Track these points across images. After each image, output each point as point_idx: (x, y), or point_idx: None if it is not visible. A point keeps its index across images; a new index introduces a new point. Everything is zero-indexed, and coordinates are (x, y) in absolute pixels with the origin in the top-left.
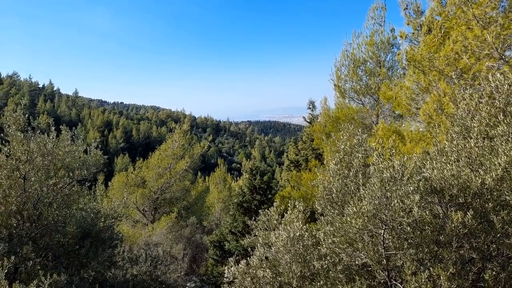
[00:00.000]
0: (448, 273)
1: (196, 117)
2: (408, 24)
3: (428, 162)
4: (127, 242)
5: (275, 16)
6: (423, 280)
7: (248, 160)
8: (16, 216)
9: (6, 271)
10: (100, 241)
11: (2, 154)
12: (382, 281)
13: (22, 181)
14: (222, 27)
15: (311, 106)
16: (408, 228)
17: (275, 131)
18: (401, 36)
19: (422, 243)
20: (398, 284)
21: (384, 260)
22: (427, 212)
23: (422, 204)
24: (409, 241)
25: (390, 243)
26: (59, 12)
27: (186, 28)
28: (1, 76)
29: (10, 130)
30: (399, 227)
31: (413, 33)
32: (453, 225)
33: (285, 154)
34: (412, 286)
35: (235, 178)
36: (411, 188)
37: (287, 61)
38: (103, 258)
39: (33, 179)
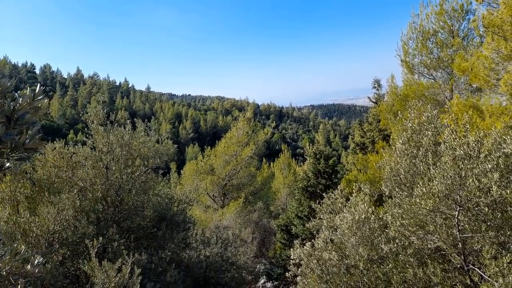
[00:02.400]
0: None
1: (259, 104)
2: None
3: (509, 137)
4: (200, 225)
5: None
6: (504, 265)
7: (312, 145)
8: (102, 202)
9: (96, 250)
10: (174, 224)
11: (87, 146)
12: (458, 266)
13: (105, 170)
14: (282, 13)
15: (376, 86)
16: (486, 209)
17: (339, 114)
18: (476, 0)
19: (503, 225)
20: (476, 269)
21: (460, 244)
22: (509, 191)
23: (503, 183)
24: (488, 223)
25: (466, 225)
26: (129, 17)
27: (246, 18)
28: (84, 77)
29: (93, 125)
30: (476, 208)
31: None
32: None
33: (350, 137)
34: (492, 270)
35: (300, 163)
36: (489, 165)
37: (351, 40)
38: (178, 240)
39: (113, 168)
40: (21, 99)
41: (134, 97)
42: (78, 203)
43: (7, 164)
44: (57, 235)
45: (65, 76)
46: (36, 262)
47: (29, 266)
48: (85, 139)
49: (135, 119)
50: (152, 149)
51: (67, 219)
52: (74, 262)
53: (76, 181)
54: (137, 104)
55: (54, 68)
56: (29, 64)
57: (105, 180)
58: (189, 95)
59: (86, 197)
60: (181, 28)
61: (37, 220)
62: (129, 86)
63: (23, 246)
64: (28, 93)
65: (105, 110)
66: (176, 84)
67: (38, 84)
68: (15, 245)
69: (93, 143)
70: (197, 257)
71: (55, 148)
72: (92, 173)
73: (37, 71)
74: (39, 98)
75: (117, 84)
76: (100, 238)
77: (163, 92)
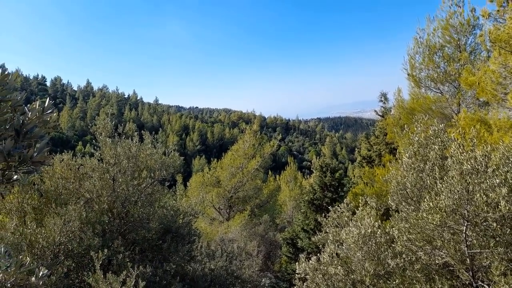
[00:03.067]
0: None
1: (266, 117)
2: (491, 1)
3: None
4: (205, 238)
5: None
6: None
7: (318, 157)
8: (108, 214)
9: (101, 262)
10: (179, 236)
11: (94, 158)
12: (466, 282)
13: (112, 182)
14: (290, 26)
15: (383, 99)
16: (495, 224)
17: (346, 127)
18: (483, 16)
19: None
20: (485, 285)
21: (468, 259)
22: None
23: (511, 198)
24: (496, 238)
25: (474, 241)
26: (139, 28)
27: (254, 30)
28: (94, 90)
29: (101, 137)
30: (484, 224)
31: (498, 11)
32: None
33: (356, 150)
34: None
35: (306, 176)
36: (497, 180)
37: (357, 54)
38: (183, 253)
39: (120, 180)
40: (30, 113)
41: (142, 109)
42: (84, 215)
43: (15, 177)
44: (63, 246)
45: (75, 88)
46: (41, 274)
47: (33, 278)
48: (93, 150)
49: (142, 131)
50: (158, 161)
51: (73, 231)
52: (79, 274)
53: (82, 193)
54: (145, 116)
55: (64, 81)
56: (40, 76)
57: (112, 192)
58: (197, 107)
59: (92, 208)
60: (189, 40)
61: (43, 231)
62: (138, 98)
63: (28, 258)
64: (37, 107)
65: (113, 122)
66: (184, 96)
67: (48, 98)
68: (20, 256)
69: (100, 155)
70: (202, 270)
71: (63, 160)
72: (98, 185)
73: (48, 83)
74: (48, 111)
75: (126, 96)
76: (106, 250)
77: (171, 104)
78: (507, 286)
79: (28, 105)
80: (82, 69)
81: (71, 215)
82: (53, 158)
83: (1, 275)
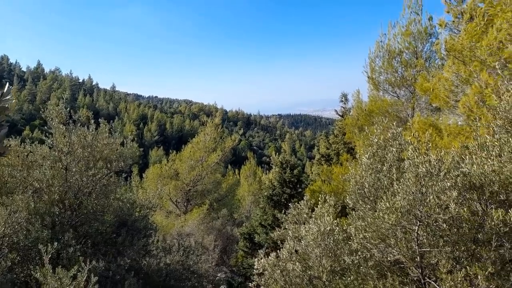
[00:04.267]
0: (486, 273)
1: (228, 110)
2: (448, 12)
3: (467, 157)
4: (161, 232)
5: (309, 8)
6: (459, 279)
7: (278, 153)
8: (59, 205)
9: (49, 256)
10: (135, 230)
11: (45, 145)
12: (415, 279)
13: (64, 171)
14: (255, 21)
15: (343, 99)
16: (444, 225)
17: (306, 125)
18: (440, 25)
19: (459, 241)
20: (432, 282)
21: (418, 257)
22: (465, 209)
23: (460, 201)
24: (445, 238)
25: (425, 240)
26: (96, 9)
27: (219, 21)
28: (45, 72)
29: (53, 123)
30: (434, 224)
31: (453, 22)
32: (493, 223)
33: (315, 148)
34: (448, 284)
35: (265, 172)
36: (448, 183)
37: (320, 54)
38: (138, 247)
39: (74, 169)
40: None
41: (98, 95)
42: (33, 205)
43: None
44: (7, 238)
45: (24, 69)
46: None
47: None
48: (44, 137)
49: (99, 119)
50: (116, 152)
51: (19, 222)
52: (25, 268)
53: (31, 182)
54: (101, 103)
55: (12, 60)
56: None
57: (64, 182)
58: (156, 97)
59: (42, 199)
60: (151, 27)
61: None
62: (93, 83)
63: None
64: None
65: (67, 108)
66: (142, 85)
67: (7, 83)
68: None
69: (52, 142)
70: (157, 264)
71: (10, 146)
72: (49, 174)
73: None
74: (7, 97)
75: (80, 81)
76: (55, 243)
77: (128, 92)
78: (452, 282)
79: None
80: (33, 49)
81: (18, 205)
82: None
83: None
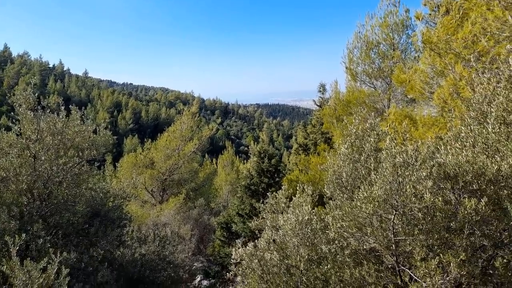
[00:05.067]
0: (458, 260)
1: (205, 99)
2: (425, 5)
3: (442, 148)
4: (136, 222)
5: None
6: (432, 266)
7: (256, 143)
8: (27, 195)
9: (17, 248)
10: (109, 220)
11: (12, 132)
12: (390, 266)
13: (33, 160)
14: (234, 8)
15: (321, 89)
16: (419, 214)
17: (283, 115)
18: (417, 18)
19: (432, 229)
20: (407, 269)
21: (393, 246)
22: (440, 198)
23: (434, 190)
24: (419, 227)
25: (400, 229)
26: None
27: (196, 7)
28: (12, 56)
29: (21, 109)
30: (410, 213)
31: (430, 15)
32: (465, 211)
33: (293, 137)
34: (421, 272)
35: (243, 161)
36: (424, 173)
37: (299, 44)
38: (112, 237)
39: (43, 158)
40: None
41: (69, 81)
42: None
43: None
44: None
45: None
46: None
47: None
48: (10, 124)
49: (70, 106)
50: (88, 140)
51: None
52: None
53: None
54: (73, 89)
55: None
56: None
57: (32, 171)
58: (131, 84)
59: (9, 188)
60: (125, 12)
61: None
62: (64, 69)
63: None
64: None
65: (36, 94)
66: (116, 72)
67: None
68: None
69: (20, 129)
70: (132, 255)
71: None
72: (16, 162)
73: None
74: None
75: (51, 66)
76: (23, 235)
77: (102, 78)
78: (426, 270)
79: None
80: None
81: None
82: None
83: None
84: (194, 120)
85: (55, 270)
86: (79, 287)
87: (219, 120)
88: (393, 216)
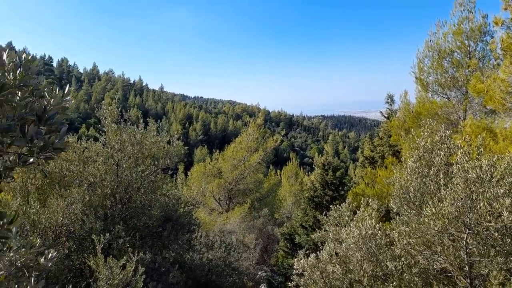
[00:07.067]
0: None
1: (270, 111)
2: (505, 9)
3: None
4: (204, 228)
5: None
6: None
7: (321, 155)
8: (110, 198)
9: (102, 245)
10: (180, 225)
11: (99, 143)
12: None
13: (116, 167)
14: (298, 22)
15: (389, 101)
16: (496, 234)
17: (349, 126)
18: (495, 23)
19: None
20: None
21: (467, 267)
22: None
23: None
24: (496, 248)
25: (474, 249)
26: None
27: (262, 23)
28: (99, 73)
29: (106, 122)
30: (485, 232)
31: (511, 19)
32: None
33: (359, 150)
34: None
35: (307, 173)
36: (502, 190)
37: (366, 53)
38: (182, 241)
39: (124, 165)
40: (52, 100)
41: (147, 96)
42: (87, 198)
43: (31, 160)
44: (65, 228)
45: (81, 70)
46: (50, 256)
47: (42, 259)
48: (98, 135)
49: (147, 119)
50: (163, 150)
51: (76, 213)
52: (79, 256)
53: (86, 176)
54: (150, 103)
55: (71, 62)
56: (47, 56)
57: (115, 177)
58: (201, 97)
59: (95, 192)
60: (197, 29)
61: (46, 212)
62: (143, 84)
63: (38, 240)
64: (59, 93)
65: (119, 108)
66: (189, 86)
67: (68, 85)
68: (30, 238)
69: (105, 140)
70: (200, 259)
71: (68, 142)
72: (102, 169)
73: (54, 64)
74: (67, 98)
75: (131, 82)
76: (107, 234)
77: (175, 92)
78: None
79: (46, 88)
80: (89, 51)
81: (75, 197)
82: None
83: (12, 254)
84: (260, 132)
85: (133, 268)
86: (153, 286)
87: (283, 132)
88: (465, 234)
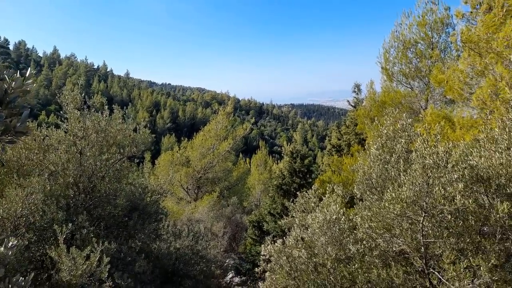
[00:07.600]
0: (489, 264)
1: (240, 99)
2: (466, 3)
3: (475, 150)
4: (171, 217)
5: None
6: (462, 270)
7: (289, 143)
8: (73, 188)
9: (64, 236)
10: (146, 214)
11: (61, 130)
12: (419, 269)
13: (79, 155)
14: (270, 8)
15: (356, 90)
16: (450, 217)
17: (318, 115)
18: (457, 16)
19: (463, 232)
20: (436, 272)
21: (422, 248)
22: (471, 201)
23: (466, 193)
24: (450, 230)
25: (430, 231)
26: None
27: (232, 9)
28: (61, 58)
29: (68, 108)
30: (440, 215)
31: (471, 12)
32: (498, 215)
33: (327, 138)
34: (450, 275)
35: (276, 161)
36: (455, 175)
37: (333, 43)
38: (149, 231)
39: (88, 154)
40: (14, 83)
41: (112, 82)
42: (48, 188)
43: None
44: (24, 219)
45: (40, 54)
46: (10, 245)
47: (2, 248)
48: (59, 122)
49: (112, 106)
50: (129, 137)
51: (36, 203)
52: (40, 247)
53: (47, 165)
54: (115, 89)
55: (29, 45)
56: (2, 39)
57: (78, 166)
58: (169, 84)
59: (57, 181)
60: (164, 15)
61: (3, 202)
62: (108, 70)
63: None
64: (19, 76)
65: (82, 94)
66: (156, 73)
67: (29, 68)
68: None
69: (67, 127)
70: (167, 248)
71: (28, 127)
72: (64, 158)
73: (11, 47)
74: (29, 81)
75: (95, 67)
76: (70, 224)
77: (142, 79)
78: (454, 273)
79: (5, 71)
80: (48, 35)
81: (34, 187)
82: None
83: None
84: (229, 120)
85: (97, 258)
86: (118, 275)
87: (253, 120)
88: (422, 218)
